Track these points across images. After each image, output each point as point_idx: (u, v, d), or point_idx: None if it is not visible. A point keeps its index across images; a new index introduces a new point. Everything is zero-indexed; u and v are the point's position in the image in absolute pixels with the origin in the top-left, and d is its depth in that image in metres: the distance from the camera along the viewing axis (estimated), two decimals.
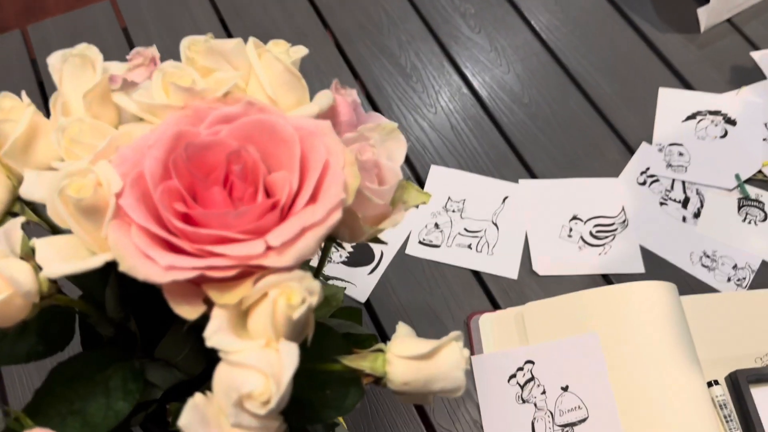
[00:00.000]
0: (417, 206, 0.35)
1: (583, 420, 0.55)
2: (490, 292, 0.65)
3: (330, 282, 0.49)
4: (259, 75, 0.31)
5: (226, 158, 0.28)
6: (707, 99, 0.76)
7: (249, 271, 0.26)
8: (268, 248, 0.26)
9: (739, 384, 0.56)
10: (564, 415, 0.56)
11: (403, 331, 0.33)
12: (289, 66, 0.31)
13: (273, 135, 0.29)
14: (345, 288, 0.49)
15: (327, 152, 0.29)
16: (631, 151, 0.73)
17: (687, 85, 0.78)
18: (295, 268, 0.26)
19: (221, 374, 0.25)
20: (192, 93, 0.29)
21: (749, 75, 0.78)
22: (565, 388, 0.57)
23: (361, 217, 0.31)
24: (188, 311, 0.26)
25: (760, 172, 0.71)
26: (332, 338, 0.35)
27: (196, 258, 0.25)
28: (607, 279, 0.65)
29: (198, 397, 0.25)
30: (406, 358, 0.30)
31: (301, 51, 0.33)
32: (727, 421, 0.55)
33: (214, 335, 0.25)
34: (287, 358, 0.24)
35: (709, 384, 0.57)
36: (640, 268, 0.65)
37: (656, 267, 0.66)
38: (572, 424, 0.55)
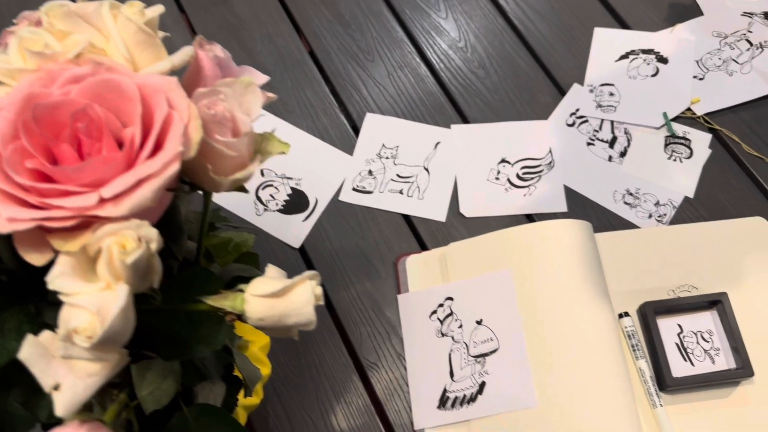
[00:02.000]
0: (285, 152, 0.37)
1: (494, 351, 0.58)
2: (419, 235, 0.67)
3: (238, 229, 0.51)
4: (114, 36, 0.33)
5: (72, 117, 0.30)
6: (641, 38, 0.76)
7: (90, 221, 0.29)
8: (103, 200, 0.28)
9: (646, 315, 0.59)
10: (477, 347, 0.59)
11: (270, 273, 0.36)
12: (142, 26, 0.33)
13: (120, 93, 0.31)
14: (255, 236, 0.51)
15: (170, 107, 0.31)
16: (563, 93, 0.74)
17: (623, 25, 0.78)
18: (133, 217, 0.29)
19: (62, 314, 0.28)
20: (44, 57, 0.31)
21: (686, 12, 0.78)
22: (479, 322, 0.60)
23: (212, 168, 0.33)
24: (36, 258, 0.29)
25: (689, 109, 0.72)
26: (212, 282, 0.38)
27: (36, 210, 0.28)
28: (530, 219, 0.67)
29: (44, 334, 0.28)
30: (260, 297, 0.33)
31: (158, 9, 0.35)
32: (634, 350, 0.59)
33: (56, 279, 0.28)
34: (116, 299, 0.27)
35: (620, 315, 0.60)
36: (562, 208, 0.67)
37: (579, 206, 0.68)
38: (484, 355, 0.59)
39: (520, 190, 0.69)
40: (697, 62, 0.74)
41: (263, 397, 0.55)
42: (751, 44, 0.75)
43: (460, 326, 0.60)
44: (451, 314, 0.61)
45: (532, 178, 0.69)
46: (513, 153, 0.71)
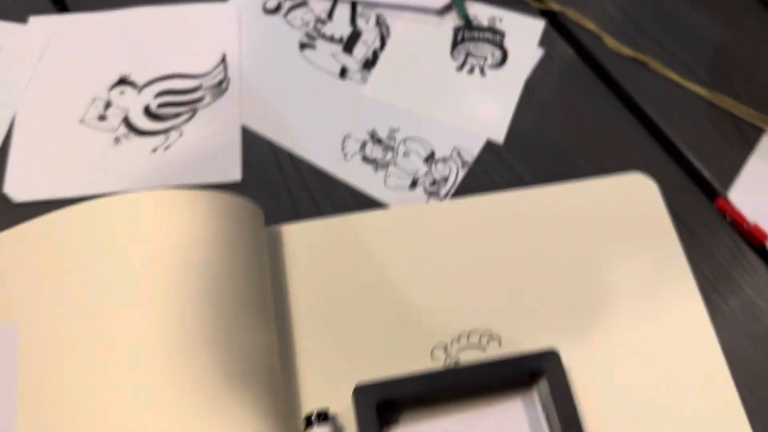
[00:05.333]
0: None
1: None
2: None
3: None
4: None
5: None
6: None
7: None
8: None
9: (365, 417, 0.24)
10: None
11: None
12: None
13: None
14: None
15: None
16: None
17: None
18: None
19: None
20: None
21: None
22: None
23: None
24: None
25: None
26: None
27: None
28: None
29: None
30: None
31: None
32: None
33: None
34: None
35: (308, 422, 0.25)
36: (235, 175, 0.31)
37: (269, 170, 0.32)
38: None
39: (149, 140, 0.32)
40: None
41: None
42: None
43: None
44: None
45: (178, 116, 0.33)
46: (145, 67, 0.34)
